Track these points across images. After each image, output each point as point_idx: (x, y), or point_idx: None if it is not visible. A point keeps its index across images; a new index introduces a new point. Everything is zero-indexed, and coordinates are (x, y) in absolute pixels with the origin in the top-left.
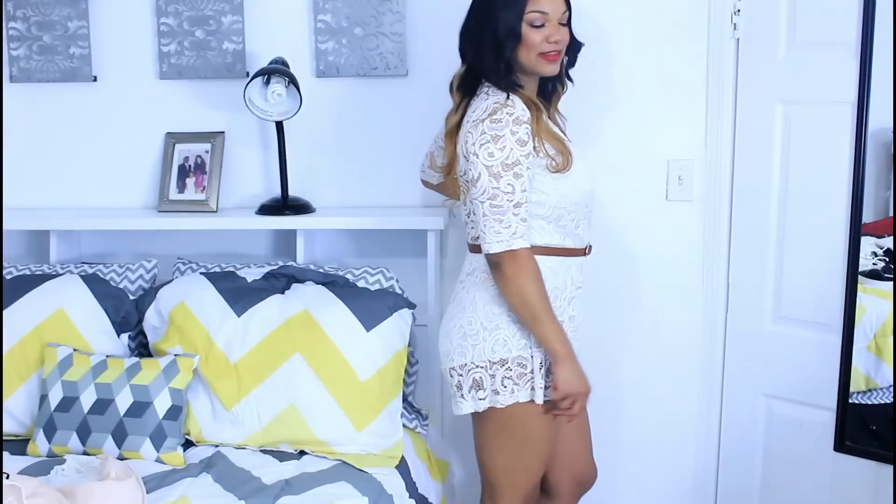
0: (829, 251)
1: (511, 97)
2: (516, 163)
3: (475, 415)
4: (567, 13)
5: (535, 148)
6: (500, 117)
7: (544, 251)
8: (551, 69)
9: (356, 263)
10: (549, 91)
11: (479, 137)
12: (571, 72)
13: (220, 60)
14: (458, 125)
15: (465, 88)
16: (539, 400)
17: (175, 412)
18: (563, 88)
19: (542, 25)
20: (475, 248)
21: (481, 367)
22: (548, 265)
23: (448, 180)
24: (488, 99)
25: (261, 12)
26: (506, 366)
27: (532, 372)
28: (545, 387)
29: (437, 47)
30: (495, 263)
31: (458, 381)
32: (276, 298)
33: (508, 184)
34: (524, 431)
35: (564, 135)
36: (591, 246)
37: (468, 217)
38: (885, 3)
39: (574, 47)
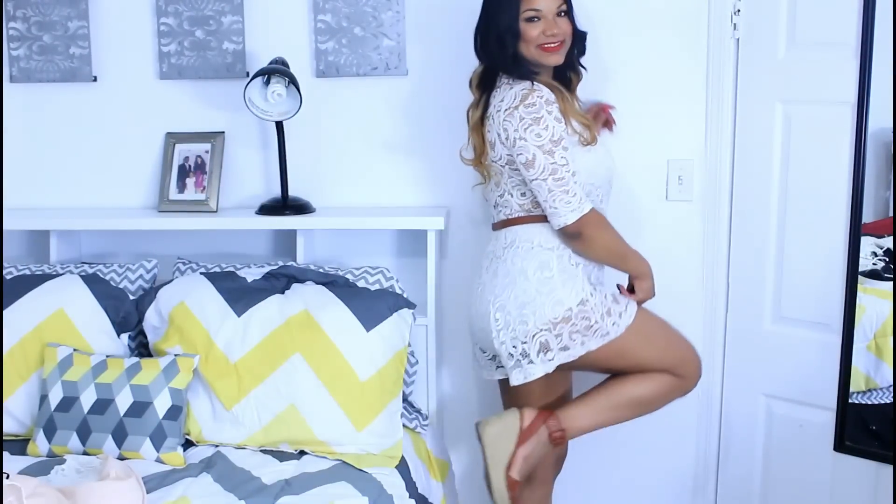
0: (829, 251)
1: (535, 83)
2: (561, 138)
3: (590, 363)
4: (563, 5)
5: (566, 125)
6: (533, 101)
7: None
8: (554, 59)
9: (356, 263)
10: (566, 80)
11: (519, 123)
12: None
13: (220, 60)
14: (481, 119)
15: (484, 85)
16: (615, 335)
17: (175, 412)
18: (578, 77)
19: (539, 20)
20: (506, 224)
21: (545, 330)
22: None
23: (479, 169)
24: (513, 88)
25: (261, 12)
26: (570, 322)
27: (596, 322)
28: (616, 323)
29: (437, 47)
30: (574, 232)
31: (523, 349)
32: (276, 298)
33: (562, 157)
34: (645, 331)
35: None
36: None
37: (500, 197)
38: (885, 3)
39: (578, 37)
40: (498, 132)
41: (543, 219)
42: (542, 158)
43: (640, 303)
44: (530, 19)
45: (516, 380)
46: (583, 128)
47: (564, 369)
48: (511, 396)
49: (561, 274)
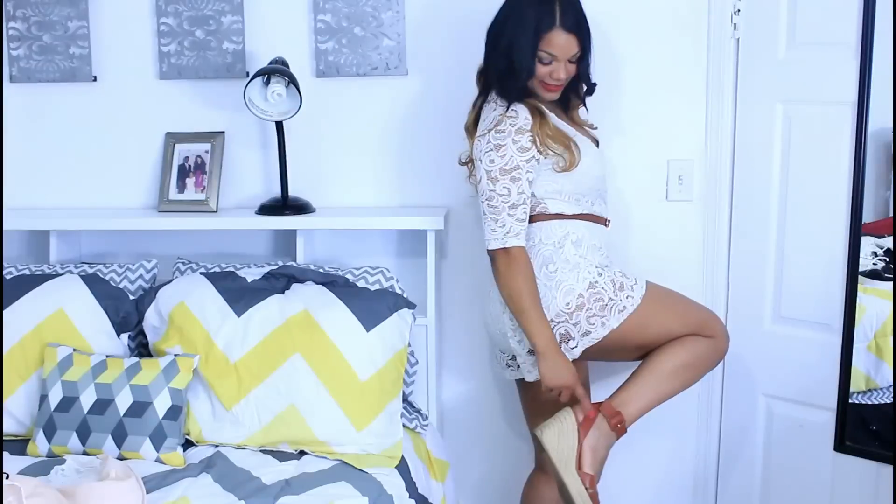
0: (829, 251)
1: (513, 107)
2: (515, 168)
3: (618, 343)
4: (578, 54)
5: (539, 151)
6: (504, 128)
7: (575, 216)
8: (550, 97)
9: (356, 263)
10: (565, 99)
11: (485, 146)
12: None
13: (220, 60)
14: (475, 122)
15: (484, 83)
16: (632, 308)
17: (175, 412)
18: (580, 99)
19: (550, 63)
20: None
21: (562, 322)
22: (583, 224)
23: (472, 170)
24: (496, 109)
25: (261, 12)
26: (585, 308)
27: (610, 299)
28: (630, 296)
29: (437, 47)
30: (492, 259)
31: None
32: (276, 298)
33: (504, 187)
34: (660, 298)
35: (588, 134)
36: (609, 220)
37: None
38: (885, 3)
39: (588, 85)
40: (475, 150)
41: (539, 218)
42: (485, 183)
43: (544, 387)
44: (542, 60)
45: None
46: (563, 149)
47: (591, 358)
48: (529, 396)
49: (564, 265)
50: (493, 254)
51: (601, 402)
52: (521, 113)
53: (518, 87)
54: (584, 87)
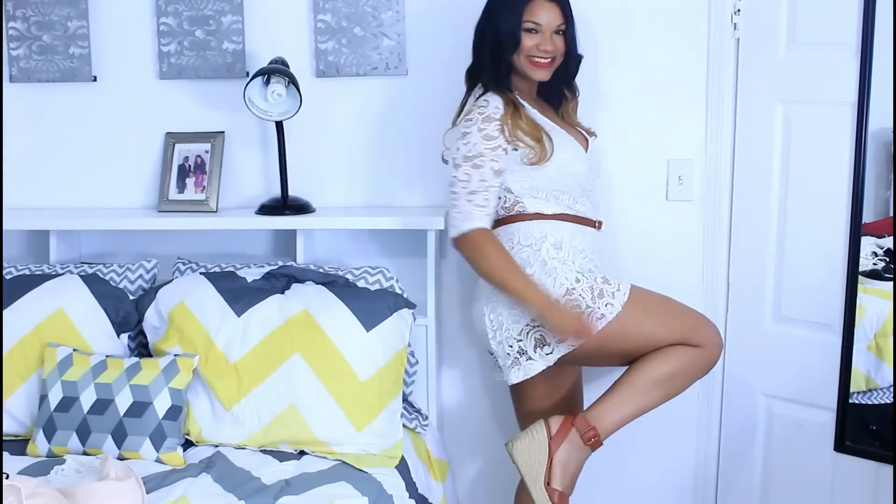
0: (829, 251)
1: (486, 96)
2: (478, 155)
3: (598, 350)
4: (563, 25)
5: (508, 141)
6: (472, 116)
7: (555, 217)
8: (540, 74)
9: (356, 263)
10: (558, 96)
11: (453, 136)
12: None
13: (220, 60)
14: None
15: (471, 81)
16: (611, 316)
17: (175, 412)
18: (572, 96)
19: (536, 33)
20: (496, 224)
21: (538, 326)
22: (564, 226)
23: None
24: (475, 101)
25: (261, 12)
26: None
27: (588, 306)
28: (609, 304)
29: (437, 47)
30: (459, 250)
31: (521, 347)
32: (276, 298)
33: (465, 173)
34: (643, 304)
35: (577, 134)
36: (601, 222)
37: None
38: (885, 3)
39: (573, 59)
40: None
41: (518, 218)
42: (451, 170)
43: (558, 340)
44: (529, 30)
45: (516, 377)
46: (533, 142)
47: (573, 363)
48: (520, 400)
49: (541, 269)
50: (456, 244)
51: (575, 415)
52: (493, 101)
53: (505, 67)
54: (569, 71)
